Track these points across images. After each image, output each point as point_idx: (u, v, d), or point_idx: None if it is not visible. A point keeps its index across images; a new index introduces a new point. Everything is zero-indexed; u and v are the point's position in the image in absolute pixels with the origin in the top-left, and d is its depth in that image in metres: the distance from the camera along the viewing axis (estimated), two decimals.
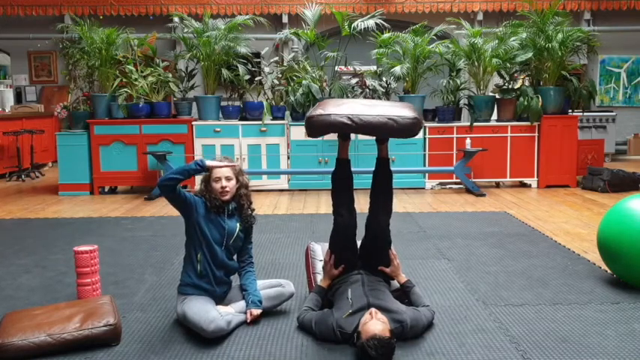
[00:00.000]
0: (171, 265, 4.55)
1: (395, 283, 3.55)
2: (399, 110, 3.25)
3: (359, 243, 3.58)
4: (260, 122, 8.06)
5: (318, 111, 3.26)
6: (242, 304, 3.37)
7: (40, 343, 2.95)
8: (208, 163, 3.27)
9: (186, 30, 8.80)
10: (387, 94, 8.24)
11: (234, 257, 3.49)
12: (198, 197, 3.36)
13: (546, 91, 8.03)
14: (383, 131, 3.27)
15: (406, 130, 3.21)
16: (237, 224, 3.41)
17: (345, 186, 3.48)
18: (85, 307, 3.23)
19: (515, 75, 8.66)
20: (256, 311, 3.33)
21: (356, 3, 11.16)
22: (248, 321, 3.31)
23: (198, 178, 8.08)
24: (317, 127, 3.27)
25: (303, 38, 8.67)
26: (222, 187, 3.32)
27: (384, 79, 8.34)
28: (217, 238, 3.33)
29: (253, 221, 3.49)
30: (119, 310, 3.30)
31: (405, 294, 3.45)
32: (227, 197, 3.35)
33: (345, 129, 3.24)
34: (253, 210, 3.50)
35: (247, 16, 8.57)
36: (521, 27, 8.16)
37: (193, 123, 8.09)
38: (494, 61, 7.97)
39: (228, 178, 3.34)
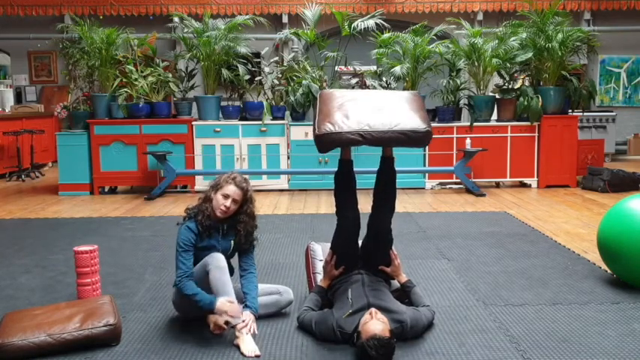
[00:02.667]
0: (171, 265, 4.50)
1: (395, 283, 3.55)
2: (409, 121, 3.22)
3: (360, 242, 3.58)
4: (260, 122, 8.05)
5: (327, 126, 3.18)
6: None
7: (40, 343, 2.95)
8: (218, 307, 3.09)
9: (186, 30, 8.80)
10: None
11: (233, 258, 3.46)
12: (191, 224, 3.25)
13: (546, 91, 8.03)
14: (394, 145, 3.30)
15: (417, 143, 3.25)
16: (232, 241, 3.35)
17: (349, 186, 3.48)
18: (85, 307, 3.23)
19: (515, 75, 8.66)
20: (251, 317, 3.16)
21: (356, 3, 11.16)
22: (247, 331, 3.08)
23: (199, 179, 8.07)
24: (329, 145, 3.23)
25: (303, 38, 8.67)
26: (226, 207, 3.23)
27: (384, 79, 8.33)
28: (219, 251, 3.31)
29: (247, 247, 3.38)
30: (119, 310, 3.30)
31: (405, 294, 3.45)
32: (222, 216, 3.27)
33: (356, 144, 3.24)
34: (254, 239, 3.40)
35: (247, 16, 8.57)
36: (521, 27, 8.16)
37: (193, 123, 8.09)
38: (494, 61, 7.96)
39: (235, 201, 3.26)
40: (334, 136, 3.17)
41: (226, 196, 3.24)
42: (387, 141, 3.21)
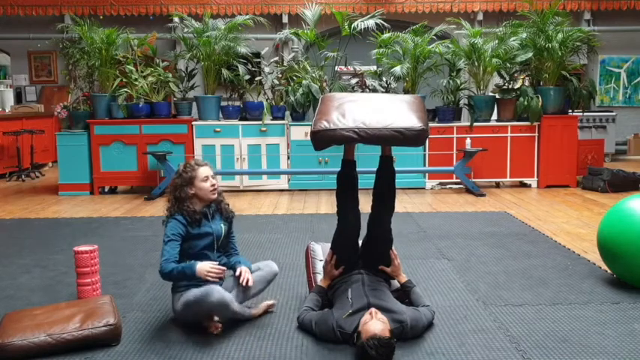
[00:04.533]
0: None
1: (395, 283, 3.55)
2: (405, 119, 3.20)
3: (360, 242, 3.58)
4: (260, 122, 8.05)
5: (323, 124, 3.20)
6: (234, 292, 3.35)
7: (40, 343, 2.95)
8: (198, 268, 3.16)
9: (186, 30, 8.80)
10: None
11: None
12: (179, 216, 3.26)
13: (546, 91, 8.03)
14: (389, 143, 3.29)
15: (412, 141, 3.20)
16: (221, 224, 3.41)
17: (351, 187, 3.48)
18: (85, 307, 3.23)
19: (515, 75, 8.66)
20: (245, 268, 3.34)
21: (356, 3, 11.16)
22: (241, 280, 3.28)
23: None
24: (323, 142, 3.22)
25: (303, 38, 8.68)
26: (213, 185, 3.32)
27: (384, 79, 8.34)
28: (208, 244, 3.33)
29: (233, 214, 3.50)
30: (119, 310, 3.30)
31: (405, 294, 3.45)
32: (216, 196, 3.35)
33: (351, 142, 3.24)
34: (228, 204, 3.52)
35: (247, 16, 8.57)
36: (521, 27, 8.16)
37: (193, 123, 8.09)
38: (494, 61, 7.96)
39: (213, 176, 3.35)
40: (329, 132, 3.17)
41: (206, 178, 3.31)
42: (383, 139, 3.19)
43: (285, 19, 11.44)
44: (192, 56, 8.25)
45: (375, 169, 3.54)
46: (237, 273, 3.33)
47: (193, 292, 3.17)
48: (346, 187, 3.47)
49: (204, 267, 3.14)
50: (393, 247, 3.55)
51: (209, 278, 3.13)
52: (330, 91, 8.12)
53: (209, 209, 3.37)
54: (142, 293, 3.94)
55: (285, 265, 4.52)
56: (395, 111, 3.29)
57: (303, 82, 7.99)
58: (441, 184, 8.29)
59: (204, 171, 3.31)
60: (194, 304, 3.16)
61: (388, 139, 3.19)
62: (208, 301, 3.09)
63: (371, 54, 8.51)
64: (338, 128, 3.16)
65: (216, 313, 3.17)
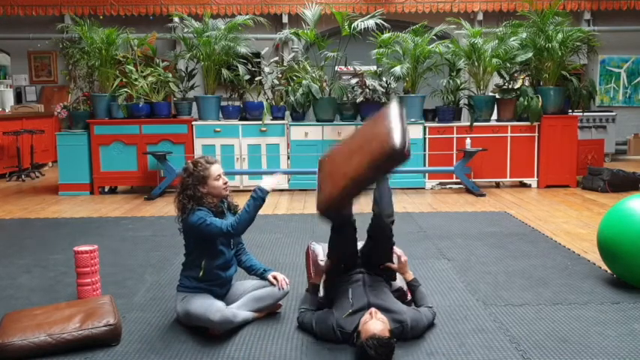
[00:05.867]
0: (171, 265, 4.55)
1: (395, 284, 3.54)
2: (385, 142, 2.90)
3: (360, 243, 3.57)
4: (260, 122, 8.06)
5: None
6: (241, 302, 3.36)
7: (40, 343, 2.95)
8: (264, 184, 3.23)
9: (186, 30, 8.80)
10: (387, 94, 8.23)
11: None
12: (203, 208, 3.22)
13: (546, 91, 8.03)
14: (382, 174, 3.17)
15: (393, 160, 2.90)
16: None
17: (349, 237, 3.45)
18: (85, 307, 3.24)
19: (515, 75, 8.66)
20: (276, 273, 3.45)
21: (356, 3, 11.16)
22: (279, 285, 3.40)
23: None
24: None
25: (303, 38, 8.67)
26: (225, 183, 3.31)
27: (384, 79, 8.33)
28: (225, 242, 3.32)
29: (238, 206, 3.47)
30: (119, 310, 3.31)
31: (410, 291, 3.44)
32: (228, 192, 3.34)
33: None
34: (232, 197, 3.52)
35: (247, 16, 8.57)
36: (521, 27, 8.16)
37: (193, 123, 8.09)
38: (494, 61, 7.96)
39: (224, 173, 3.34)
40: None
41: (219, 177, 3.27)
42: (376, 179, 3.12)
43: (285, 19, 11.44)
44: (192, 56, 8.25)
45: None
46: (272, 278, 3.43)
47: (195, 307, 3.17)
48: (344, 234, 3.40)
49: (268, 181, 3.24)
50: (397, 246, 3.54)
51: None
52: (330, 91, 8.13)
53: (223, 205, 3.36)
54: (142, 293, 3.94)
55: (285, 265, 4.53)
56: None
57: (303, 82, 7.99)
58: (441, 184, 8.29)
59: (216, 169, 3.26)
60: (194, 319, 3.19)
61: (379, 175, 3.10)
62: (210, 320, 3.11)
63: (371, 54, 8.50)
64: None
65: (218, 329, 3.17)
